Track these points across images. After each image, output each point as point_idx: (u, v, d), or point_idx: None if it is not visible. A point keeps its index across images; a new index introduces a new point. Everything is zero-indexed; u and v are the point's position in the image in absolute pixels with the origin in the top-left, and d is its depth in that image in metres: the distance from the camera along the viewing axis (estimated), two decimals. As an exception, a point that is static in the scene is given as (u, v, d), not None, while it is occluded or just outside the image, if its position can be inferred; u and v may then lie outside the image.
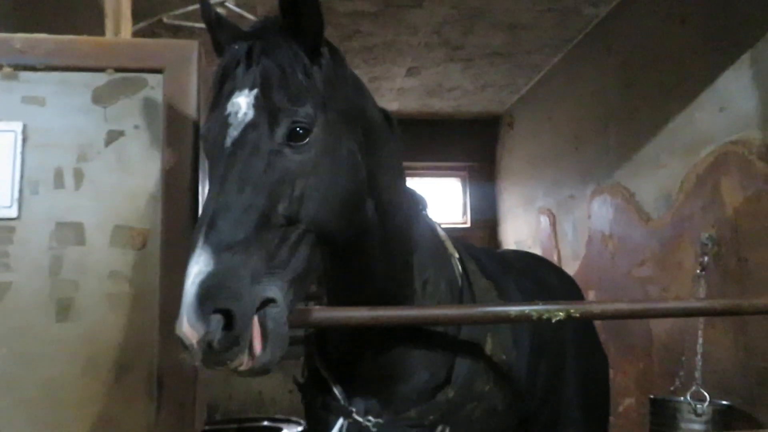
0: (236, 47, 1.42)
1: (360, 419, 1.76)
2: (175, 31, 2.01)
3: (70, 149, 1.52)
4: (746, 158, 2.79)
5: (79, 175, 1.52)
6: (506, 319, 1.77)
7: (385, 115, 1.71)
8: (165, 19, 1.92)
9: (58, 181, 1.51)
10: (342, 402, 1.80)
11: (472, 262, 2.08)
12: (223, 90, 1.38)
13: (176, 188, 1.54)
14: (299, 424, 2.10)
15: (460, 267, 2.01)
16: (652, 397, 2.95)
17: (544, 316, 1.73)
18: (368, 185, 1.56)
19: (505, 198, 6.27)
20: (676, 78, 3.33)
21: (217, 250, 1.15)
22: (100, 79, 1.56)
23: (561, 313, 1.74)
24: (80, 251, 1.49)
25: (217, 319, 1.10)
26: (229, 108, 1.34)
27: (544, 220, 5.14)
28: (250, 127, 1.31)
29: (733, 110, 2.91)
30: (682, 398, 2.80)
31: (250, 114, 1.32)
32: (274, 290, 1.22)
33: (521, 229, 5.75)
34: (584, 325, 2.65)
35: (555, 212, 4.99)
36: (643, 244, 3.64)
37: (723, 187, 2.94)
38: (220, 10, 2.09)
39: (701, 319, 2.87)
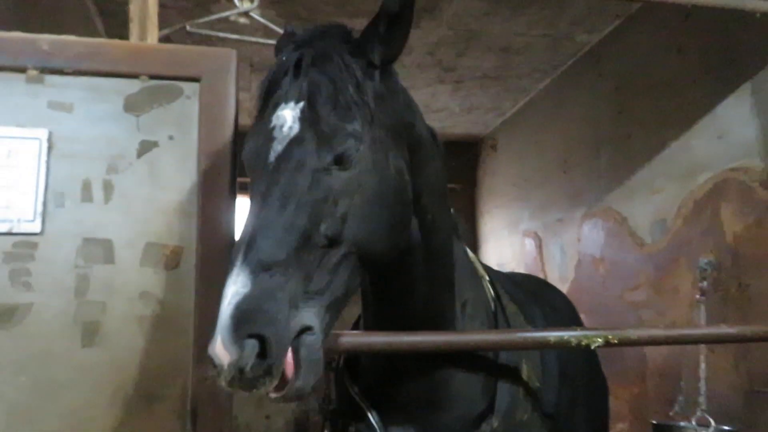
0: (285, 57, 1.35)
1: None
2: (199, 40, 1.93)
3: (100, 160, 1.41)
4: (747, 185, 2.84)
5: (108, 188, 1.41)
6: (546, 345, 1.72)
7: (432, 132, 1.66)
8: (189, 28, 1.83)
9: (86, 193, 1.40)
10: (378, 430, 1.71)
11: (499, 284, 2.03)
12: (269, 101, 1.32)
13: (213, 204, 1.45)
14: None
15: (492, 289, 1.96)
16: (654, 422, 2.93)
17: (583, 343, 1.70)
18: (414, 205, 1.50)
19: (487, 220, 6.28)
20: (672, 105, 3.40)
21: (256, 271, 1.09)
22: (133, 86, 1.46)
23: (600, 339, 1.71)
24: (109, 270, 1.38)
25: (251, 345, 1.04)
26: (274, 121, 1.27)
27: (530, 243, 5.16)
28: (295, 142, 1.24)
29: (733, 138, 2.97)
30: (684, 423, 2.80)
31: (296, 128, 1.26)
32: (311, 316, 1.16)
33: (504, 252, 5.76)
34: (590, 351, 2.63)
35: (541, 235, 5.02)
36: (637, 268, 3.67)
37: (723, 213, 2.99)
38: (243, 20, 2.02)
39: (703, 345, 2.89)
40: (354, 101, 1.31)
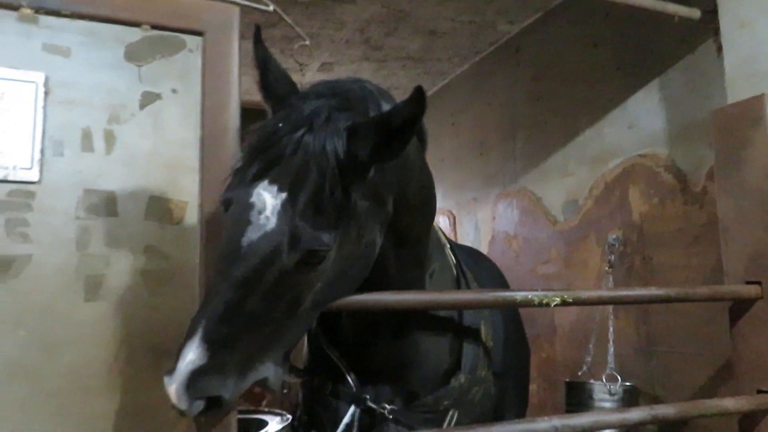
0: (280, 123, 1.29)
1: (375, 406, 1.76)
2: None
3: (100, 109, 1.36)
4: (653, 170, 3.20)
5: (110, 138, 1.36)
6: (512, 304, 1.88)
7: (421, 138, 1.66)
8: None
9: (87, 143, 1.34)
10: (354, 389, 1.79)
11: (458, 252, 2.17)
12: (253, 163, 1.27)
13: (217, 159, 1.44)
14: (283, 415, 2.03)
15: (453, 257, 2.09)
16: (567, 380, 3.25)
17: (544, 302, 1.88)
18: (393, 224, 1.53)
19: (398, 198, 6.45)
20: (586, 95, 3.72)
21: (208, 345, 1.17)
22: (134, 34, 1.41)
23: (557, 299, 1.90)
24: (112, 223, 1.34)
25: (197, 405, 1.17)
26: (254, 198, 1.24)
27: (444, 221, 5.40)
28: (269, 236, 1.22)
29: (642, 128, 3.32)
30: (594, 381, 3.13)
31: (273, 222, 1.22)
32: (268, 369, 1.29)
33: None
34: (516, 318, 2.88)
35: (456, 213, 5.27)
36: (548, 244, 3.99)
37: (631, 195, 3.34)
38: None
39: (611, 310, 3.23)
40: (337, 209, 1.28)
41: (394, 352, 1.80)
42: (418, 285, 1.78)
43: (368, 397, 1.76)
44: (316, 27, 4.31)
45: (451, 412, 1.83)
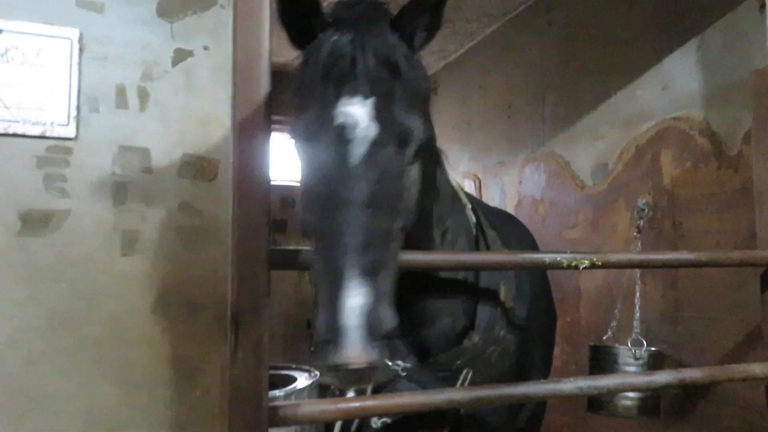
0: (337, 39, 1.30)
1: (389, 363, 1.79)
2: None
3: (134, 65, 1.37)
4: (687, 133, 3.12)
5: (143, 95, 1.37)
6: (541, 266, 1.88)
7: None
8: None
9: (121, 99, 1.35)
10: None
11: (480, 212, 2.16)
12: (327, 91, 1.26)
13: (248, 118, 1.44)
14: (311, 371, 2.08)
15: (473, 217, 2.08)
16: (592, 344, 3.25)
17: (573, 264, 1.87)
18: None
19: (423, 162, 6.42)
20: (620, 56, 3.61)
21: (366, 277, 1.13)
22: (166, -11, 1.40)
23: (586, 261, 1.89)
24: (147, 179, 1.36)
25: (383, 349, 1.10)
26: (343, 118, 1.23)
27: (469, 184, 5.37)
28: (376, 144, 1.22)
29: (677, 90, 3.23)
30: (619, 345, 3.13)
31: (373, 129, 1.22)
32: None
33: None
34: (546, 282, 2.88)
35: (481, 177, 5.23)
36: (576, 208, 3.95)
37: (662, 158, 3.28)
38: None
39: (638, 275, 3.20)
40: (414, 96, 1.32)
41: (408, 310, 1.83)
42: (424, 243, 1.77)
43: None
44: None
45: (465, 371, 1.85)
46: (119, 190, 1.33)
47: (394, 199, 1.24)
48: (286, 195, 5.51)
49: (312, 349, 1.19)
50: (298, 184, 1.36)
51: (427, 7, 1.38)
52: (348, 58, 1.27)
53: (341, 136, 1.22)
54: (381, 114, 1.24)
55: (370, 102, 1.24)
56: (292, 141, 1.34)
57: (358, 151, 1.22)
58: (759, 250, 2.25)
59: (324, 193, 1.22)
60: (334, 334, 1.08)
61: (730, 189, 2.88)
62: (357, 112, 1.23)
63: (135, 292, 1.33)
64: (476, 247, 2.03)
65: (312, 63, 1.31)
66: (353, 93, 1.24)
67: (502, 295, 2.01)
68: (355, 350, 1.07)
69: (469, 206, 2.11)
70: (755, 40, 2.66)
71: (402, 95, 1.28)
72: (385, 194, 1.22)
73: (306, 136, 1.29)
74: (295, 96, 1.34)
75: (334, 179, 1.22)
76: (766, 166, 2.32)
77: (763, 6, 2.51)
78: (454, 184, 2.08)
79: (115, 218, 1.33)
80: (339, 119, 1.23)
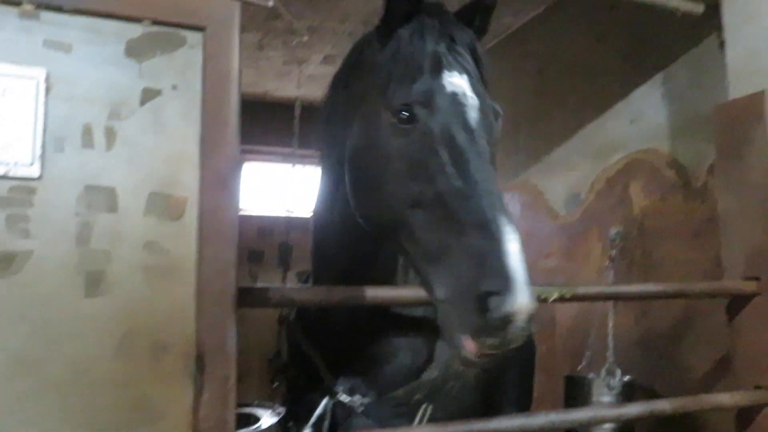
0: (430, 22, 1.45)
1: (347, 399, 1.79)
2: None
3: (101, 105, 1.36)
4: (655, 165, 3.20)
5: (110, 134, 1.37)
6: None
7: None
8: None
9: (87, 139, 1.35)
10: (327, 381, 1.82)
11: None
12: (428, 59, 1.38)
13: (217, 155, 1.45)
14: (274, 408, 2.05)
15: None
16: (567, 375, 3.26)
17: (542, 297, 1.88)
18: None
19: (400, 190, 6.46)
20: (590, 89, 3.71)
21: (515, 228, 1.17)
22: (135, 30, 1.41)
23: (555, 294, 1.91)
24: (112, 218, 1.35)
25: (535, 295, 1.11)
26: (450, 86, 1.35)
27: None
28: (481, 113, 1.36)
29: (644, 123, 3.32)
30: (593, 375, 3.14)
31: (476, 100, 1.36)
32: None
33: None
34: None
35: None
36: (550, 238, 4.00)
37: (632, 189, 3.35)
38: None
39: (611, 304, 3.24)
40: (486, 83, 1.50)
41: (368, 346, 1.83)
42: (389, 276, 1.80)
43: (341, 390, 1.79)
44: (319, 19, 4.30)
45: (424, 406, 1.84)
46: (83, 230, 1.32)
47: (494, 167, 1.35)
48: (263, 225, 5.48)
49: (465, 311, 1.12)
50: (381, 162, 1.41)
51: (479, 11, 1.56)
52: (447, 38, 1.42)
53: (456, 100, 1.34)
54: (476, 89, 1.39)
55: (466, 78, 1.38)
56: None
57: (473, 115, 1.34)
58: (724, 281, 2.30)
59: (456, 149, 1.28)
60: (505, 281, 1.06)
61: (697, 219, 2.94)
62: (461, 83, 1.37)
63: (99, 333, 1.31)
64: None
65: (417, 37, 1.42)
66: (453, 68, 1.38)
67: None
68: (526, 297, 1.06)
69: None
70: (717, 76, 2.75)
71: (482, 78, 1.46)
72: (494, 158, 1.35)
73: (424, 100, 1.35)
74: (400, 64, 1.41)
75: (460, 138, 1.29)
76: (730, 197, 2.38)
77: (722, 44, 2.60)
78: None
79: (79, 259, 1.31)
80: (449, 87, 1.35)
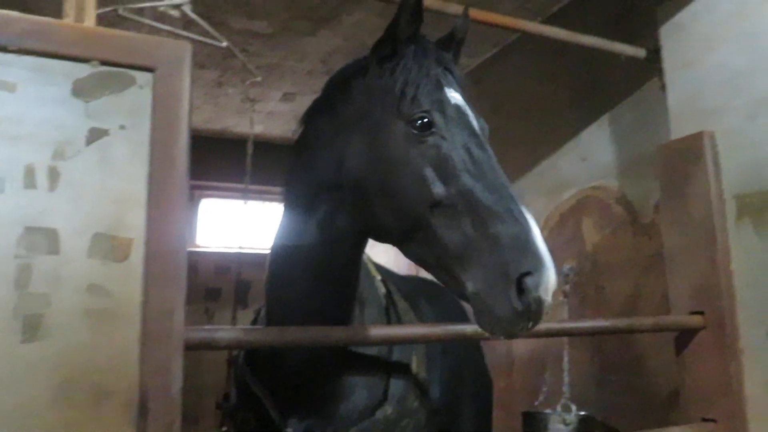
0: (425, 46, 1.58)
1: None
2: (128, 26, 1.85)
3: (45, 145, 1.34)
4: (605, 202, 3.30)
5: (54, 175, 1.34)
6: (463, 337, 1.90)
7: None
8: (121, 11, 1.76)
9: (29, 179, 1.32)
10: (278, 423, 1.78)
11: (390, 283, 2.20)
12: (432, 77, 1.50)
13: (164, 196, 1.43)
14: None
15: (383, 288, 2.11)
16: (524, 411, 3.27)
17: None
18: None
19: (361, 226, 6.46)
20: (543, 128, 3.82)
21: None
22: (83, 70, 1.40)
23: (506, 332, 1.93)
24: (53, 261, 1.31)
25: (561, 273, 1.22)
26: (453, 99, 1.48)
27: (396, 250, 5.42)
28: (479, 122, 1.53)
29: (594, 161, 3.43)
30: (550, 410, 3.16)
31: (473, 112, 1.53)
32: None
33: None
34: (476, 350, 2.90)
35: (417, 241, 5.30)
36: (507, 273, 4.04)
37: (584, 226, 3.43)
38: (173, 12, 1.98)
39: (566, 340, 3.28)
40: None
41: (321, 385, 1.81)
42: (346, 316, 1.80)
43: (290, 430, 1.75)
44: (278, 58, 4.35)
45: None
46: (22, 273, 1.28)
47: None
48: (220, 262, 5.40)
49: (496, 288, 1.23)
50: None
51: (452, 44, 1.70)
52: (441, 62, 1.55)
53: (460, 110, 1.47)
54: (469, 104, 1.53)
55: (461, 94, 1.52)
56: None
57: (475, 123, 1.49)
58: (672, 316, 2.36)
59: (470, 150, 1.41)
60: (538, 260, 1.19)
61: (646, 254, 3.03)
62: (459, 98, 1.50)
63: (36, 380, 1.26)
64: (387, 319, 2.04)
65: (420, 57, 1.53)
66: (450, 86, 1.51)
67: (414, 366, 2.02)
68: (555, 273, 1.21)
69: (379, 277, 2.14)
70: (660, 117, 2.87)
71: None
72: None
73: (439, 108, 1.46)
74: (411, 80, 1.51)
75: (471, 141, 1.43)
76: (674, 234, 2.47)
77: (664, 87, 2.73)
78: (364, 256, 2.11)
79: (17, 302, 1.27)
80: (452, 100, 1.48)
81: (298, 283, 1.74)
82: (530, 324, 1.22)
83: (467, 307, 3.02)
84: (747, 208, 2.26)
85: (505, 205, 1.31)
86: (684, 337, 2.33)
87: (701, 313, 2.29)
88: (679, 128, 2.57)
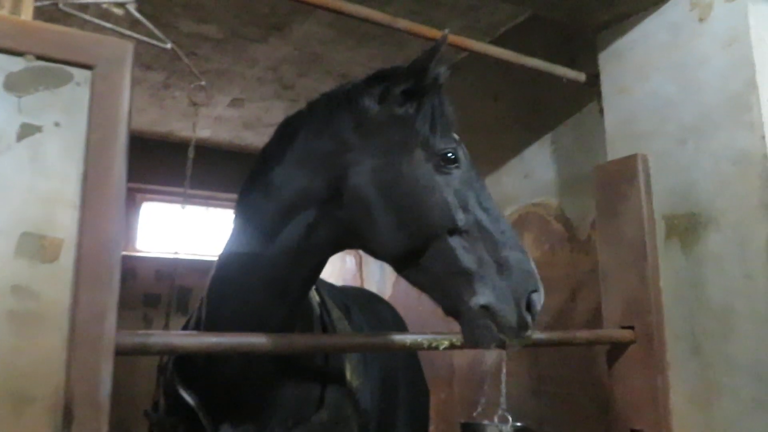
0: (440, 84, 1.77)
1: None
2: (69, 22, 1.79)
3: (-28, 139, 1.29)
4: (545, 218, 3.40)
5: (-20, 171, 1.29)
6: (403, 347, 1.92)
7: None
8: (61, 6, 1.70)
9: (-47, 174, 1.26)
10: (209, 431, 1.75)
11: (324, 291, 2.21)
12: (448, 111, 1.77)
13: (99, 197, 1.40)
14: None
15: (317, 296, 2.12)
16: (462, 421, 3.31)
17: (433, 345, 1.94)
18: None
19: (307, 236, 6.43)
20: (488, 145, 3.91)
21: None
22: (17, 63, 1.35)
23: (446, 342, 1.96)
24: (-24, 260, 1.26)
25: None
26: (462, 149, 1.73)
27: (350, 261, 5.43)
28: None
29: (535, 178, 3.54)
30: (487, 422, 3.21)
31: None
32: None
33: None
34: (413, 360, 2.93)
35: (362, 254, 5.31)
36: (450, 286, 4.10)
37: (525, 241, 3.52)
38: (117, 11, 1.93)
39: (504, 352, 3.35)
40: None
41: (255, 392, 1.79)
42: (287, 323, 1.79)
43: None
44: (227, 63, 4.31)
45: None
46: (-58, 272, 1.22)
47: None
48: (160, 268, 5.26)
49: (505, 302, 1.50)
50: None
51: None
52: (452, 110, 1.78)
53: (465, 148, 1.72)
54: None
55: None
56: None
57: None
58: (605, 330, 2.45)
59: (480, 183, 1.67)
60: (537, 281, 1.53)
61: (583, 270, 3.14)
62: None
63: (-49, 385, 1.20)
64: (321, 327, 2.04)
65: (440, 95, 1.74)
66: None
67: (348, 374, 2.03)
68: (541, 301, 1.52)
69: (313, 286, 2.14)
70: (598, 138, 2.99)
71: None
72: None
73: (458, 146, 1.69)
74: (438, 118, 1.70)
75: (476, 177, 1.68)
76: (608, 251, 2.56)
77: (602, 110, 2.84)
78: None
79: (-67, 303, 1.20)
80: (463, 148, 1.71)
81: (250, 294, 1.71)
82: (529, 332, 1.51)
83: (399, 316, 3.03)
84: (675, 229, 2.38)
85: (509, 234, 1.56)
86: (615, 350, 2.42)
87: (632, 327, 2.38)
88: (615, 150, 2.68)
